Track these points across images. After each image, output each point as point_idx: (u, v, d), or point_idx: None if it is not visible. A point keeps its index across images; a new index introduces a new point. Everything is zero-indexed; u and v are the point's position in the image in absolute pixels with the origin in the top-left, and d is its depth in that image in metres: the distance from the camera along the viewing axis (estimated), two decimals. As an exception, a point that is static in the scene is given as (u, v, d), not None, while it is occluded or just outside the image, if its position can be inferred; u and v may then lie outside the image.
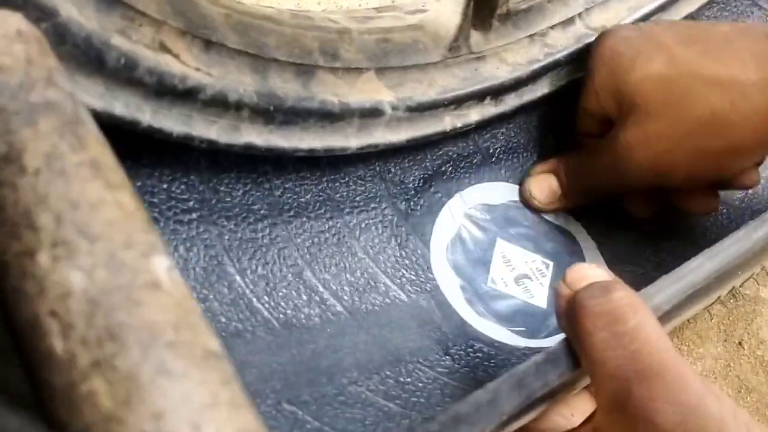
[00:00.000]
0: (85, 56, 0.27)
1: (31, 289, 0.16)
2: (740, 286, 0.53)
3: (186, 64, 0.31)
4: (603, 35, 0.47)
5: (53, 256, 0.16)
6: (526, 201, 0.51)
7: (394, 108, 0.43)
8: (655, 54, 0.43)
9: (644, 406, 0.27)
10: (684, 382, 0.27)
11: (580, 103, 0.49)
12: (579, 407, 0.36)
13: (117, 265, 0.16)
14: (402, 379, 0.39)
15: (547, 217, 0.51)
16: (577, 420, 0.34)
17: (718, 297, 0.47)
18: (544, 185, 0.50)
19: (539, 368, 0.29)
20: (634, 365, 0.28)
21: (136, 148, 0.33)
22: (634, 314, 0.29)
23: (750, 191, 0.55)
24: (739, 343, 0.56)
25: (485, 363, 0.43)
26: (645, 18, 0.54)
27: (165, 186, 0.35)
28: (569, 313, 0.31)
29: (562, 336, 0.32)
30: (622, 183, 0.46)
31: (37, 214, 0.17)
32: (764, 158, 0.46)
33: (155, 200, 0.35)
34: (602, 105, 0.47)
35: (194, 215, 0.37)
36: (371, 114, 0.42)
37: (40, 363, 0.16)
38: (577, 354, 0.31)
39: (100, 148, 0.19)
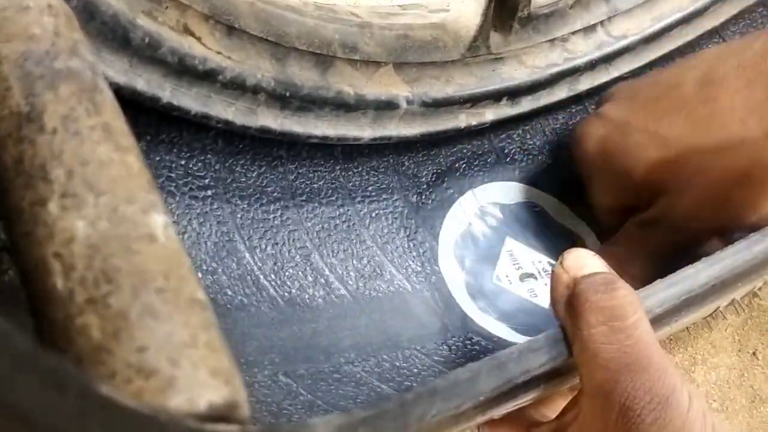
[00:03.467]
0: (112, 33, 0.29)
1: (41, 233, 0.18)
2: (741, 298, 0.53)
3: (208, 47, 0.33)
4: (578, 139, 0.47)
5: (62, 205, 0.18)
6: None
7: (410, 102, 0.44)
8: (644, 142, 0.43)
9: (627, 394, 0.30)
10: (665, 375, 0.30)
11: (597, 203, 0.49)
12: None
13: (118, 218, 0.18)
14: (398, 364, 0.40)
15: (557, 219, 0.52)
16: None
17: (717, 307, 0.48)
18: None
19: (522, 355, 0.30)
20: (626, 359, 0.30)
21: (157, 124, 0.35)
22: (634, 313, 0.31)
23: None
24: (754, 354, 0.56)
25: (481, 356, 0.44)
26: (669, 28, 0.54)
27: (183, 162, 0.37)
28: (570, 301, 0.33)
29: None
30: (690, 243, 0.45)
31: (51, 168, 0.19)
32: None
33: (173, 175, 0.37)
34: (621, 200, 0.47)
35: (209, 192, 0.38)
36: (386, 107, 0.43)
37: (44, 299, 0.17)
38: (563, 345, 0.32)
39: (113, 114, 0.21)
